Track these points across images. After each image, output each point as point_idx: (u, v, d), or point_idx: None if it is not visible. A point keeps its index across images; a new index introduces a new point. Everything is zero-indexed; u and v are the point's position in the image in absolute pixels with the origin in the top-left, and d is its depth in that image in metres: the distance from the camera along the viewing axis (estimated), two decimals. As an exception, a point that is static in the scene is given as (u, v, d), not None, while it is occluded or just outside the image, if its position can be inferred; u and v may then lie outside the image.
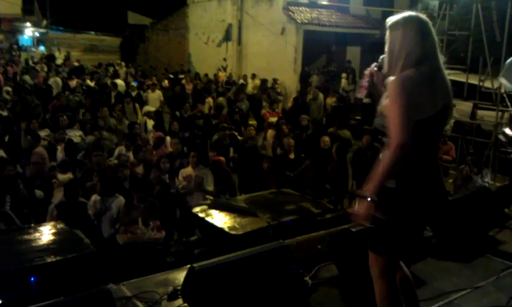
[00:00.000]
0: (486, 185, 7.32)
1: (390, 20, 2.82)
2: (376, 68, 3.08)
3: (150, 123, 11.94)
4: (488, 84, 10.05)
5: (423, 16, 2.81)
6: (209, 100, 15.49)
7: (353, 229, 4.07)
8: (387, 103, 2.72)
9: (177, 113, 12.70)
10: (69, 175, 7.91)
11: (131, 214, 6.57)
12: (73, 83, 16.92)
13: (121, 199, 6.89)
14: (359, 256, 3.98)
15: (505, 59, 9.19)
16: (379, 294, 2.92)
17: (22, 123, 10.29)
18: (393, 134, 2.60)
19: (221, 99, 15.26)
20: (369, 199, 2.63)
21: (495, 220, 5.30)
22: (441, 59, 2.81)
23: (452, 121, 9.85)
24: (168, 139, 10.00)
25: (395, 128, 2.60)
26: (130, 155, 8.97)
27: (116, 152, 9.16)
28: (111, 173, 7.73)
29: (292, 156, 9.16)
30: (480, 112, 10.94)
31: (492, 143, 9.53)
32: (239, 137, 10.47)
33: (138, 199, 6.69)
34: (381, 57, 3.00)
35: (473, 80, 10.51)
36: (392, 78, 2.72)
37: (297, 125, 11.20)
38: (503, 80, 7.37)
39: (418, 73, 2.67)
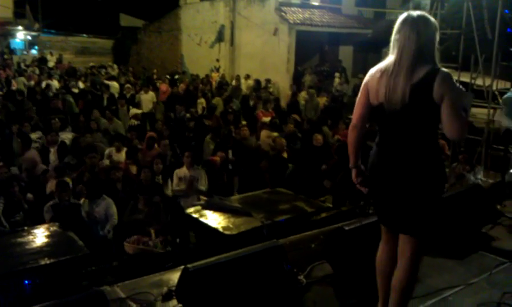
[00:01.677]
0: (479, 182, 7.35)
1: (420, 14, 3.00)
2: None
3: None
4: (479, 81, 10.09)
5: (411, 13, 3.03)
6: (201, 100, 15.47)
7: (346, 228, 4.09)
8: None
9: (172, 115, 12.68)
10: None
11: (135, 217, 6.56)
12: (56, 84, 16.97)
13: (108, 201, 6.88)
14: (353, 255, 4.00)
15: (497, 56, 9.26)
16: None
17: (14, 125, 10.23)
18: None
19: (217, 99, 15.26)
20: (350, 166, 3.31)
21: (488, 217, 5.34)
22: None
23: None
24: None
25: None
26: (122, 156, 8.96)
27: (106, 153, 9.14)
28: (104, 175, 7.72)
29: (285, 155, 9.17)
30: (472, 110, 10.97)
31: (484, 140, 9.57)
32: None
33: (145, 202, 6.68)
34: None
35: (465, 78, 10.54)
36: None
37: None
38: (505, 120, 6.98)
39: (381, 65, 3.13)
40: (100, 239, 6.59)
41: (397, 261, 3.14)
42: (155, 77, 21.32)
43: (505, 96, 7.31)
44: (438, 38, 3.03)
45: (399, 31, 3.01)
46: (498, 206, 5.68)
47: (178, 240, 6.58)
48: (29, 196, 7.32)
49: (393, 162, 3.02)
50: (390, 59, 3.03)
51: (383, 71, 3.02)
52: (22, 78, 18.55)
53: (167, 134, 10.20)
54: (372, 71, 3.12)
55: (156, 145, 9.59)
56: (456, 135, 2.88)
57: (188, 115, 12.54)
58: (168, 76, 20.73)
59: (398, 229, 3.12)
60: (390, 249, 3.23)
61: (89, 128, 10.53)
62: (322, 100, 15.75)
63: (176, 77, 21.02)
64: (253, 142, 10.61)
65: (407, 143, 2.98)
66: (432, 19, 3.01)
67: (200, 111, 14.39)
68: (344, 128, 10.90)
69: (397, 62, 2.96)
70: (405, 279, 3.07)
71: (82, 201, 6.88)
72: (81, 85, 17.96)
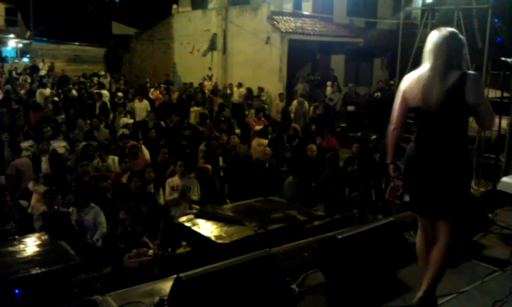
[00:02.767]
0: (471, 190, 7.37)
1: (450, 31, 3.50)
2: None
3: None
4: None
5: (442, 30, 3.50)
6: (195, 109, 15.47)
7: (339, 236, 4.09)
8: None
9: (162, 123, 12.66)
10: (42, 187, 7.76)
11: (119, 227, 6.54)
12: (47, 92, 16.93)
13: (97, 210, 6.86)
14: (346, 263, 4.00)
15: (487, 65, 9.33)
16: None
17: (3, 134, 10.11)
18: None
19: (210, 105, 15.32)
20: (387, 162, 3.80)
21: (479, 225, 5.36)
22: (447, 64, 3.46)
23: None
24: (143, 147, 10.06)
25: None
26: (110, 162, 8.93)
27: (95, 163, 9.08)
28: (95, 183, 7.70)
29: (267, 165, 9.20)
30: None
31: (476, 149, 9.62)
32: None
33: (126, 211, 6.66)
34: None
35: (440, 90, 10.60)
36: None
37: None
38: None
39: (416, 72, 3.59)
40: (89, 248, 6.56)
41: (433, 242, 3.59)
42: (148, 85, 21.29)
43: None
44: (466, 51, 3.65)
45: (433, 44, 3.47)
46: (490, 215, 5.69)
47: (169, 249, 6.56)
48: (23, 202, 7.30)
49: (430, 156, 3.48)
50: (424, 67, 3.49)
51: (419, 78, 3.48)
52: (8, 86, 18.52)
53: (162, 143, 10.21)
54: (408, 78, 3.58)
55: (145, 153, 9.57)
56: (489, 127, 4.14)
57: (185, 123, 12.53)
58: (163, 85, 20.73)
59: (435, 216, 3.57)
60: (426, 234, 3.72)
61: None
62: (311, 108, 15.83)
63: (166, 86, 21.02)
64: (244, 149, 10.61)
65: (442, 139, 3.44)
66: (461, 36, 3.50)
67: (192, 120, 14.40)
68: (329, 138, 11.01)
69: (432, 70, 3.43)
70: (442, 258, 3.51)
71: (71, 209, 6.86)
72: (74, 93, 17.93)
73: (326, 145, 10.72)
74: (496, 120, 9.88)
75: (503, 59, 6.74)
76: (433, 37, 3.49)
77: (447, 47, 3.41)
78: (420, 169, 3.54)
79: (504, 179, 5.83)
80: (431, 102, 3.38)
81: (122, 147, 10.02)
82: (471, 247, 5.02)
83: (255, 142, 10.85)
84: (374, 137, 10.45)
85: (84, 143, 10.07)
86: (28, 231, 6.40)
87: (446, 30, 3.47)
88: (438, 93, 3.36)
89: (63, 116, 14.17)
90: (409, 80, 3.57)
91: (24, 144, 9.95)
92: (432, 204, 3.53)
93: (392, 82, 11.32)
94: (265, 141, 10.49)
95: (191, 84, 20.88)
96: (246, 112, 15.41)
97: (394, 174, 3.79)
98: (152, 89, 19.51)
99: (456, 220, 3.52)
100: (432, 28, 10.75)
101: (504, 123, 7.94)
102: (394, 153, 3.76)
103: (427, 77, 3.42)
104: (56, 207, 6.60)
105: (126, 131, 11.92)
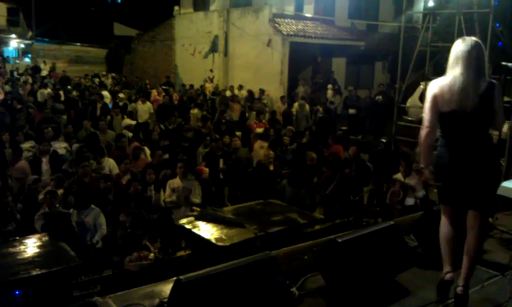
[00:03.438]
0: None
1: (476, 40, 3.84)
2: None
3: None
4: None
5: (469, 40, 3.83)
6: (195, 111, 15.46)
7: (339, 240, 4.09)
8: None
9: (162, 126, 12.66)
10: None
11: (119, 229, 6.55)
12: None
13: (97, 211, 6.86)
14: (346, 267, 4.00)
15: (488, 70, 9.33)
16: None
17: (3, 135, 10.08)
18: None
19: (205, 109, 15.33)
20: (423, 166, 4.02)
21: (480, 229, 5.35)
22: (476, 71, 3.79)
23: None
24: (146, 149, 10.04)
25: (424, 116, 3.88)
26: (105, 165, 8.94)
27: (94, 165, 9.08)
28: (96, 185, 7.70)
29: (271, 167, 9.17)
30: None
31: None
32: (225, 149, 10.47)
33: (125, 213, 6.67)
34: None
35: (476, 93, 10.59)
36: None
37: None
38: None
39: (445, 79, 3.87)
40: (89, 249, 6.56)
41: (465, 231, 3.93)
42: (148, 87, 21.31)
43: None
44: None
45: (464, 52, 3.76)
46: (490, 220, 5.69)
47: (170, 250, 6.57)
48: (18, 205, 7.29)
49: (467, 155, 3.79)
50: (454, 73, 3.77)
51: (452, 84, 3.74)
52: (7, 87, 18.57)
53: (163, 145, 10.22)
54: (438, 84, 3.83)
55: (147, 155, 9.56)
56: (500, 129, 4.60)
57: (185, 125, 12.52)
58: (161, 86, 20.73)
59: (469, 207, 3.90)
60: (454, 223, 4.02)
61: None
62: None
63: (165, 87, 21.02)
64: (245, 152, 10.61)
65: (476, 140, 3.79)
66: (483, 45, 3.84)
67: (192, 122, 14.40)
68: (333, 145, 10.93)
69: (465, 76, 3.72)
70: (477, 245, 3.91)
71: (71, 211, 6.87)
72: (75, 94, 17.96)
73: (328, 154, 10.54)
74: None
75: (504, 63, 6.74)
76: (460, 46, 3.79)
77: (477, 54, 3.74)
78: (458, 167, 3.82)
79: (504, 184, 5.82)
80: (466, 106, 3.68)
81: (121, 147, 10.02)
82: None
83: (257, 145, 10.84)
84: (384, 139, 10.30)
85: (77, 145, 10.08)
86: (28, 232, 6.42)
87: (472, 39, 3.80)
88: (473, 97, 3.67)
89: (65, 117, 14.18)
90: (440, 86, 3.80)
91: (25, 145, 9.96)
92: (469, 196, 3.85)
93: (397, 86, 11.29)
94: (267, 144, 10.49)
95: (191, 85, 20.91)
96: (247, 115, 15.41)
97: (431, 177, 3.95)
98: (154, 91, 19.53)
99: (488, 211, 4.03)
100: (434, 32, 10.85)
101: (505, 127, 7.93)
102: (430, 156, 3.96)
103: (462, 83, 3.70)
104: (56, 206, 6.61)
105: (128, 132, 11.94)
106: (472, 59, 3.73)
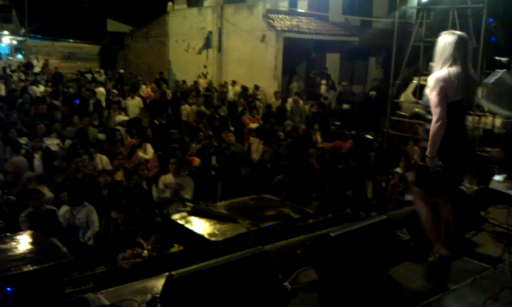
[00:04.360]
0: (463, 188, 7.39)
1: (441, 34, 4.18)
2: None
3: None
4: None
5: (460, 34, 4.11)
6: (186, 107, 15.37)
7: (332, 234, 4.09)
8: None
9: (156, 122, 12.63)
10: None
11: (112, 227, 6.52)
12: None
13: (90, 208, 6.83)
14: (338, 261, 4.00)
15: (482, 65, 9.36)
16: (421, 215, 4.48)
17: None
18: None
19: (202, 107, 15.23)
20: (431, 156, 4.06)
21: (472, 223, 5.37)
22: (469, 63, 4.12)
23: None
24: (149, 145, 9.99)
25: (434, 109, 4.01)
26: (98, 162, 8.91)
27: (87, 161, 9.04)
28: (89, 181, 7.67)
29: (269, 164, 9.18)
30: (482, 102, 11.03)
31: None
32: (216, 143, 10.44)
33: (117, 210, 6.65)
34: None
35: (475, 85, 10.61)
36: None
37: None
38: (483, 101, 7.22)
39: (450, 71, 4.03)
40: (81, 246, 6.53)
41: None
42: (141, 83, 21.22)
43: (485, 80, 7.34)
44: None
45: (459, 44, 4.01)
46: (482, 213, 5.72)
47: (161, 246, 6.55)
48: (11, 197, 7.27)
49: (464, 141, 4.23)
50: (456, 67, 3.99)
51: (457, 76, 3.98)
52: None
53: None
54: (444, 76, 3.99)
55: (150, 151, 9.57)
56: None
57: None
58: (153, 83, 20.64)
59: (450, 188, 4.38)
60: (433, 206, 4.39)
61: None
62: (307, 107, 15.82)
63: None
64: (239, 148, 10.61)
65: (466, 127, 4.32)
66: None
67: (184, 118, 14.37)
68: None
69: (465, 68, 4.02)
70: (451, 215, 4.37)
71: (63, 208, 6.83)
72: (72, 91, 17.86)
73: (330, 148, 10.56)
74: (490, 119, 9.96)
75: (497, 58, 6.75)
76: (454, 38, 4.04)
77: (469, 48, 4.09)
78: (459, 152, 4.18)
79: (496, 177, 5.84)
80: (470, 96, 4.12)
81: (114, 143, 10.00)
82: (463, 244, 5.03)
83: (255, 145, 10.84)
84: (370, 135, 10.40)
85: (70, 142, 10.04)
86: (19, 228, 6.39)
87: (461, 33, 4.11)
88: (473, 89, 4.17)
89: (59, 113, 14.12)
90: (448, 78, 3.98)
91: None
92: (452, 179, 4.32)
93: (398, 82, 11.30)
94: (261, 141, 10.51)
95: (184, 81, 20.85)
96: (240, 110, 15.38)
97: (439, 164, 4.07)
98: (144, 87, 19.44)
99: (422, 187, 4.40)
100: (428, 27, 10.86)
101: (498, 121, 7.96)
102: (437, 147, 4.09)
103: (466, 75, 4.01)
104: (41, 206, 6.57)
105: (122, 128, 11.90)
106: (468, 53, 4.05)
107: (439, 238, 4.36)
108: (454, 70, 3.99)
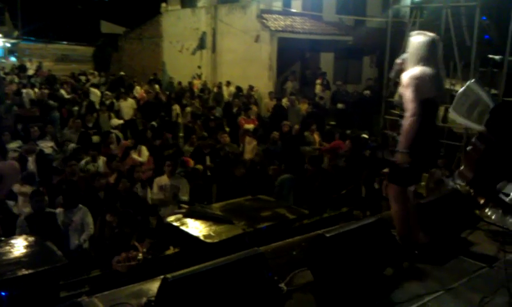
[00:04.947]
0: (458, 187, 7.41)
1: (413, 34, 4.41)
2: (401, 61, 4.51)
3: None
4: (458, 87, 10.16)
5: (433, 35, 4.31)
6: (175, 107, 15.33)
7: (327, 235, 4.08)
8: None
9: (154, 123, 12.60)
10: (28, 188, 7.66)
11: (106, 230, 6.49)
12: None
13: (84, 210, 6.81)
14: (333, 262, 4.00)
15: (475, 62, 9.38)
16: (393, 212, 4.66)
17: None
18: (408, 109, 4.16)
19: (197, 105, 15.25)
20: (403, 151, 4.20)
21: (467, 222, 5.38)
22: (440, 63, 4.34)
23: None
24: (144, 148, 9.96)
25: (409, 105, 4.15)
26: (101, 164, 8.88)
27: (82, 163, 9.01)
28: (84, 184, 7.65)
29: (258, 166, 9.19)
30: (451, 116, 11.06)
31: (463, 146, 9.67)
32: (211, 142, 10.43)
33: (112, 213, 6.63)
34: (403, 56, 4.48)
35: (445, 84, 10.64)
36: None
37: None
38: (453, 114, 7.16)
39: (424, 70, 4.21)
40: (76, 249, 6.50)
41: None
42: (135, 84, 21.18)
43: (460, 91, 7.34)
44: None
45: (433, 45, 4.25)
46: (477, 212, 5.73)
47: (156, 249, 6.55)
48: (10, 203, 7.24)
49: (436, 135, 4.69)
50: (428, 67, 4.18)
51: (431, 74, 4.18)
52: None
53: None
54: (419, 73, 4.16)
55: (144, 154, 9.56)
56: None
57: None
58: (147, 84, 20.59)
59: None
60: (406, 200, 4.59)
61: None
62: (304, 107, 15.80)
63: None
64: (234, 149, 10.60)
65: (435, 124, 4.59)
66: None
67: (174, 118, 14.35)
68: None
69: (437, 68, 4.26)
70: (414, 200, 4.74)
71: (58, 211, 6.80)
72: (64, 93, 17.78)
73: (329, 148, 10.60)
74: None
75: (490, 56, 6.78)
76: (428, 40, 4.24)
77: (441, 49, 4.32)
78: (432, 146, 4.48)
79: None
80: (443, 93, 4.47)
81: (108, 145, 9.98)
82: (459, 243, 5.04)
83: (249, 146, 10.83)
84: (365, 135, 10.41)
85: (73, 145, 10.02)
86: (13, 232, 6.35)
87: (433, 35, 4.31)
88: (443, 88, 4.48)
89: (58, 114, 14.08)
90: (422, 76, 4.16)
91: (12, 145, 9.86)
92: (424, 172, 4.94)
93: (392, 81, 11.34)
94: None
95: (179, 82, 20.78)
96: (235, 111, 15.37)
97: (409, 160, 4.21)
98: (138, 88, 19.39)
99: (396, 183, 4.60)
100: (421, 26, 10.87)
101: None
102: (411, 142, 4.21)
103: (437, 74, 4.23)
104: (42, 208, 6.53)
105: (119, 133, 11.87)
106: (441, 52, 4.33)
107: (418, 227, 4.58)
108: (426, 69, 4.17)
